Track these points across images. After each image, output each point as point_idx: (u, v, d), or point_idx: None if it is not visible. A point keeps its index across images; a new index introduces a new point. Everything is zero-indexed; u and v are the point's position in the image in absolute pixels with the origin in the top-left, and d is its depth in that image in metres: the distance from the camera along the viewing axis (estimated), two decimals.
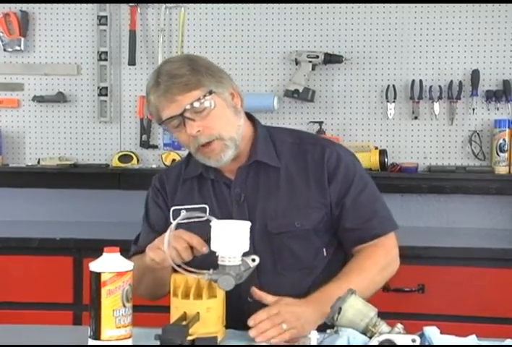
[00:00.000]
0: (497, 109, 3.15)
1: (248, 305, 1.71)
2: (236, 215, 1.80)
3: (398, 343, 1.40)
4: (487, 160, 3.16)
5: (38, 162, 3.32)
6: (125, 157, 3.29)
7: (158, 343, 1.42)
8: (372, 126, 3.23)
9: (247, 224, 1.53)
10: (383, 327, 1.44)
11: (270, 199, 1.81)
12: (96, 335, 1.47)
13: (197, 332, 1.51)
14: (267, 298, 1.65)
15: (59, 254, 2.78)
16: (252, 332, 1.56)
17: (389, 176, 3.08)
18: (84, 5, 3.32)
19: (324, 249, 1.84)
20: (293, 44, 3.25)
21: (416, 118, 3.19)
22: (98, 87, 3.32)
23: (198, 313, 1.53)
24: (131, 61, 3.28)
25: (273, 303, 1.63)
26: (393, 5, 3.19)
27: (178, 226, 1.60)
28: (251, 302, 1.70)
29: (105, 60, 3.31)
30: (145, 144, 3.31)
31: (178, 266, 1.55)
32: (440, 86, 3.16)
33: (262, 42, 3.27)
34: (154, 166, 3.24)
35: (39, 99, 3.33)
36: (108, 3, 3.29)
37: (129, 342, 1.49)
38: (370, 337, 1.44)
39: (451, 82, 3.15)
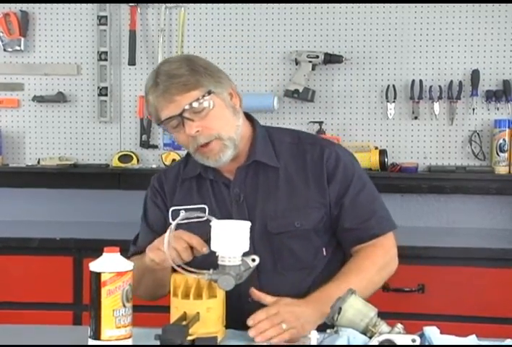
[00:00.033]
0: (497, 109, 3.15)
1: (248, 305, 1.71)
2: (235, 215, 1.80)
3: (398, 343, 1.40)
4: (487, 160, 3.16)
5: (38, 162, 3.32)
6: (125, 157, 3.29)
7: (158, 343, 1.42)
8: (372, 126, 3.23)
9: (247, 224, 1.53)
10: (383, 327, 1.44)
11: (269, 199, 1.81)
12: (96, 335, 1.47)
13: (197, 332, 1.51)
14: (267, 298, 1.65)
15: (59, 254, 2.78)
16: (251, 332, 1.55)
17: (389, 176, 3.08)
18: (84, 5, 3.33)
19: (323, 249, 1.84)
20: (293, 44, 3.25)
21: (416, 118, 3.19)
22: (98, 87, 3.32)
23: (198, 313, 1.53)
24: (131, 61, 3.28)
25: (272, 304, 1.63)
26: (393, 5, 3.19)
27: (178, 227, 1.60)
28: (251, 302, 1.70)
29: (105, 60, 3.31)
30: (145, 144, 3.31)
31: (178, 266, 1.55)
32: (440, 86, 3.16)
33: (262, 42, 3.27)
34: (154, 166, 3.24)
35: (39, 99, 3.33)
36: (108, 3, 3.29)
37: (129, 342, 1.49)
38: (370, 337, 1.44)
39: (451, 82, 3.15)
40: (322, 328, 1.56)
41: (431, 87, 3.16)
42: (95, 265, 1.48)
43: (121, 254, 1.51)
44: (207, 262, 1.55)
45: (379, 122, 3.23)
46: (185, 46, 3.28)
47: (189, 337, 1.47)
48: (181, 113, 1.70)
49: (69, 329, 1.98)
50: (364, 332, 1.45)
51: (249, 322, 1.57)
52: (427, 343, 1.46)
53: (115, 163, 3.29)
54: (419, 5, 3.17)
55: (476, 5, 3.15)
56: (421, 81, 3.16)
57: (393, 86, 3.18)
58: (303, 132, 1.99)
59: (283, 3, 3.23)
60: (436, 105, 3.16)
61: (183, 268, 1.55)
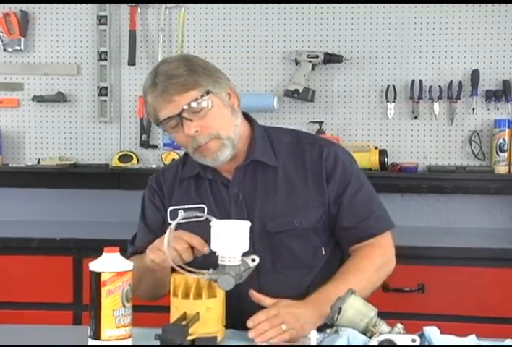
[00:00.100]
0: (497, 109, 3.15)
1: (248, 305, 1.71)
2: (234, 214, 1.80)
3: (398, 343, 1.40)
4: (486, 160, 3.16)
5: (38, 162, 3.32)
6: (125, 157, 3.29)
7: (158, 343, 1.43)
8: (372, 126, 3.23)
9: (247, 224, 1.53)
10: (383, 327, 1.44)
11: (268, 199, 1.81)
12: (96, 334, 1.47)
13: (196, 332, 1.51)
14: (266, 300, 1.65)
15: (59, 254, 2.78)
16: (251, 334, 1.55)
17: (389, 176, 3.08)
18: (84, 5, 3.33)
19: (322, 248, 1.84)
20: (293, 44, 3.25)
21: (416, 118, 3.19)
22: (98, 87, 3.32)
23: (198, 313, 1.53)
24: (131, 61, 3.28)
25: (272, 305, 1.63)
26: (393, 5, 3.19)
27: (177, 227, 1.60)
28: (250, 302, 1.69)
29: (105, 60, 3.31)
30: (145, 144, 3.31)
31: (179, 266, 1.55)
32: (439, 86, 3.16)
33: (262, 42, 3.27)
34: (154, 166, 3.24)
35: (39, 99, 3.33)
36: (108, 3, 3.29)
37: (129, 342, 1.49)
38: (370, 337, 1.43)
39: (451, 82, 3.15)
40: (322, 328, 1.56)
41: (431, 87, 3.16)
42: (95, 265, 1.48)
43: (121, 254, 1.51)
44: (207, 262, 1.55)
45: (379, 122, 3.23)
46: (185, 46, 3.28)
47: (189, 337, 1.47)
48: (180, 113, 1.70)
49: (69, 329, 1.98)
50: (364, 332, 1.45)
51: (249, 323, 1.57)
52: (427, 343, 1.46)
53: (115, 162, 3.29)
54: (419, 5, 3.17)
55: (476, 5, 3.14)
56: (421, 81, 3.16)
57: (393, 86, 3.18)
58: (302, 132, 1.99)
59: (283, 3, 3.23)
60: (436, 105, 3.16)
61: (183, 268, 1.55)
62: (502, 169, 3.08)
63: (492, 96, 3.13)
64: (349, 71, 3.23)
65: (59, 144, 3.37)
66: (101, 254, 1.49)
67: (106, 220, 3.23)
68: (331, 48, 3.22)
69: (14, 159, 3.38)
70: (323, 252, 1.84)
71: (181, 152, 3.14)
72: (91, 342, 1.48)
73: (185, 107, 1.70)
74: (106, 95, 3.31)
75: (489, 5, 3.14)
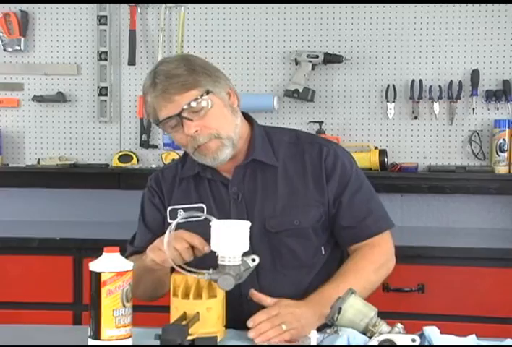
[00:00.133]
0: (497, 109, 3.15)
1: (247, 304, 1.72)
2: (233, 214, 1.80)
3: (398, 343, 1.40)
4: (487, 160, 3.16)
5: (38, 162, 3.32)
6: (125, 157, 3.29)
7: (158, 343, 1.43)
8: (372, 126, 3.23)
9: (247, 224, 1.53)
10: (383, 327, 1.44)
11: (268, 198, 1.81)
12: (96, 334, 1.47)
13: (196, 332, 1.51)
14: (267, 300, 1.65)
15: (59, 254, 2.78)
16: (251, 333, 1.56)
17: (389, 176, 3.08)
18: (84, 5, 3.32)
19: (322, 248, 1.84)
20: (293, 44, 3.25)
21: (416, 118, 3.19)
22: (98, 87, 3.32)
23: (198, 313, 1.53)
24: (131, 61, 3.28)
25: (273, 305, 1.63)
26: (393, 5, 3.19)
27: (177, 226, 1.60)
28: (250, 301, 1.70)
29: (105, 60, 3.31)
30: (145, 144, 3.31)
31: (179, 266, 1.55)
32: (439, 86, 3.16)
33: (262, 42, 3.27)
34: (154, 166, 3.24)
35: (39, 99, 3.33)
36: (108, 3, 3.29)
37: (129, 342, 1.49)
38: (370, 337, 1.44)
39: (451, 81, 3.15)
40: (322, 328, 1.56)
41: (431, 87, 3.16)
42: (95, 265, 1.48)
43: (121, 254, 1.51)
44: (207, 262, 1.54)
45: (379, 122, 3.23)
46: (185, 46, 3.28)
47: (189, 337, 1.47)
48: (180, 112, 1.70)
49: (69, 329, 1.98)
50: (364, 332, 1.45)
51: (250, 323, 1.57)
52: (427, 343, 1.46)
53: (115, 162, 3.29)
54: (419, 5, 3.17)
55: (476, 5, 3.14)
56: (421, 81, 3.16)
57: (393, 86, 3.18)
58: (302, 132, 1.99)
59: (283, 3, 3.23)
60: (436, 105, 3.16)
61: (183, 268, 1.55)
62: (502, 169, 3.08)
63: (492, 96, 3.13)
64: (349, 71, 3.23)
65: (59, 144, 3.37)
66: (101, 254, 1.49)
67: (106, 220, 3.24)
68: (331, 48, 3.22)
69: (14, 159, 3.38)
70: (323, 252, 1.84)
71: (181, 152, 3.15)
72: (91, 342, 1.48)
73: (185, 106, 1.69)
74: (106, 95, 3.31)
75: (489, 5, 3.14)
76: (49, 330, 1.74)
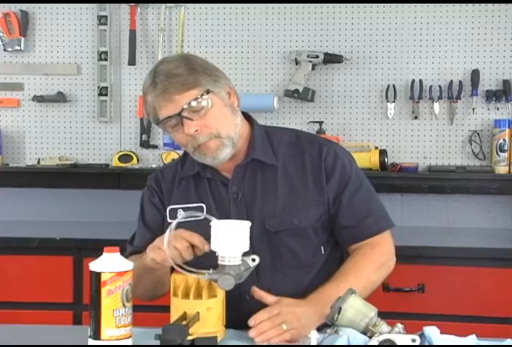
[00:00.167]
0: (497, 109, 3.15)
1: (247, 304, 1.72)
2: (233, 213, 1.80)
3: (398, 343, 1.40)
4: (487, 160, 3.16)
5: (38, 162, 3.32)
6: (125, 157, 3.29)
7: (158, 343, 1.43)
8: (372, 126, 3.23)
9: (247, 224, 1.53)
10: (383, 326, 1.44)
11: (267, 198, 1.81)
12: (96, 334, 1.46)
13: (197, 332, 1.51)
14: (268, 298, 1.65)
15: (59, 254, 2.78)
16: (251, 333, 1.56)
17: (389, 176, 3.08)
18: (84, 5, 3.33)
19: (322, 247, 1.84)
20: (293, 44, 3.25)
21: (416, 118, 3.19)
22: (98, 87, 3.32)
23: (198, 313, 1.53)
24: (131, 61, 3.28)
25: (274, 304, 1.63)
26: (393, 5, 3.19)
27: (177, 226, 1.60)
28: (250, 301, 1.70)
29: (105, 60, 3.31)
30: (145, 144, 3.31)
31: (179, 266, 1.55)
32: (440, 86, 3.16)
33: (262, 42, 3.27)
34: (154, 166, 3.24)
35: (39, 99, 3.33)
36: (108, 3, 3.29)
37: (129, 342, 1.49)
38: (370, 337, 1.44)
39: (451, 81, 3.15)
40: (322, 328, 1.56)
41: (431, 87, 3.16)
42: (95, 265, 1.48)
43: (121, 254, 1.51)
44: (207, 261, 1.54)
45: (379, 122, 3.23)
46: (185, 46, 3.28)
47: (189, 337, 1.47)
48: (180, 112, 1.70)
49: (69, 329, 1.98)
50: (364, 332, 1.45)
51: (250, 322, 1.57)
52: (427, 343, 1.46)
53: (115, 162, 3.29)
54: (419, 5, 3.17)
55: (476, 5, 3.14)
56: (421, 81, 3.16)
57: (393, 86, 3.18)
58: (302, 131, 1.99)
59: (283, 3, 3.23)
60: (436, 105, 3.16)
61: (183, 268, 1.54)
62: (502, 169, 3.08)
63: (492, 96, 3.13)
64: (349, 71, 3.23)
65: (59, 144, 3.37)
66: (101, 254, 1.49)
67: (106, 220, 3.24)
68: (331, 48, 3.22)
69: (14, 159, 3.38)
70: (323, 251, 1.84)
71: (181, 152, 3.16)
72: (91, 342, 1.48)
73: (185, 106, 1.70)
74: (106, 95, 3.31)
75: (489, 5, 3.14)
76: (49, 330, 1.74)
